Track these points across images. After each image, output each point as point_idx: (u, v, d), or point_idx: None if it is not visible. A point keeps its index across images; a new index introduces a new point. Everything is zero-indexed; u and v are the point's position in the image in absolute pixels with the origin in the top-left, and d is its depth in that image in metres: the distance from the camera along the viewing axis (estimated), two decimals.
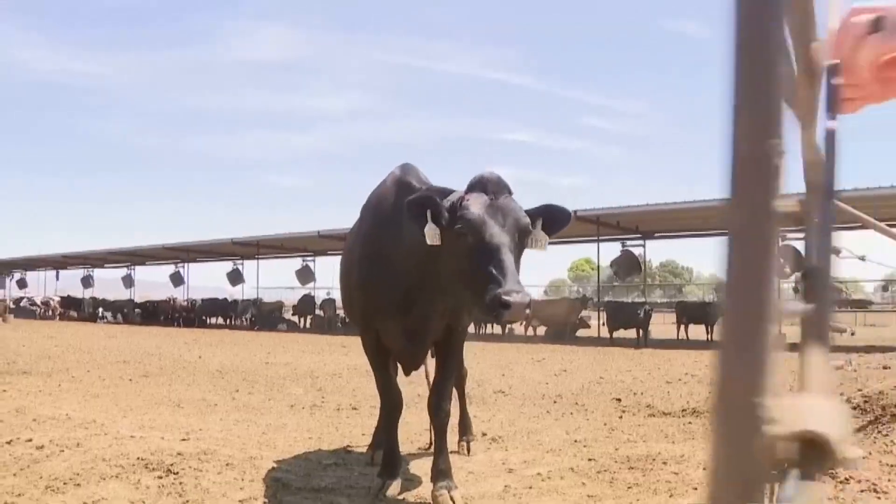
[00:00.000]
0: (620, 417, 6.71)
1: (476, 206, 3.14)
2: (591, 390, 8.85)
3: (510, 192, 3.26)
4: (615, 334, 21.37)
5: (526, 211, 3.26)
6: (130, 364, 11.65)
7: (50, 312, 39.50)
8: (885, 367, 6.93)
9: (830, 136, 1.04)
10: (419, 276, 3.54)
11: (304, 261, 32.18)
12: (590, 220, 21.96)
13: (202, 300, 35.24)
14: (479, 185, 3.22)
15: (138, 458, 4.40)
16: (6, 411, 6.22)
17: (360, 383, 9.13)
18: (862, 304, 35.31)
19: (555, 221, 3.33)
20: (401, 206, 3.44)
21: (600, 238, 24.57)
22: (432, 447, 4.14)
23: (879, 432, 5.04)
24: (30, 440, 4.93)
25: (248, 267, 34.27)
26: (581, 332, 23.45)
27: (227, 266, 34.82)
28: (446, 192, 3.39)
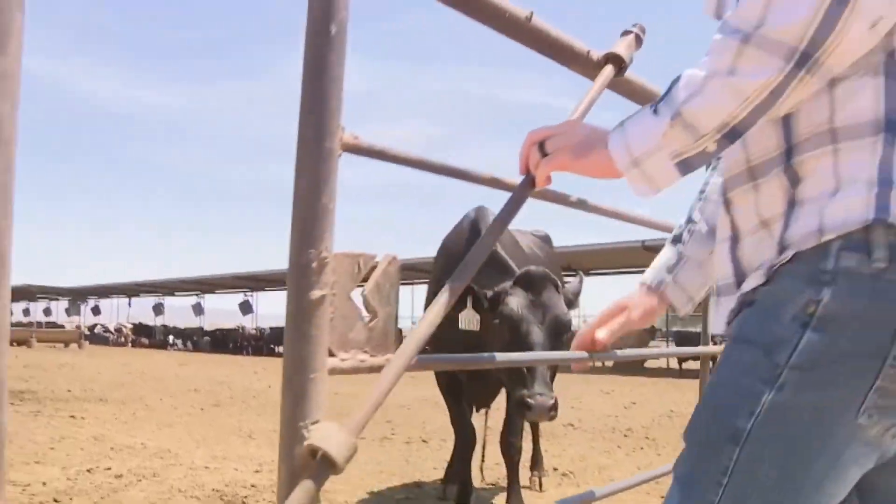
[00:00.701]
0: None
1: (516, 302, 3.24)
2: (662, 424, 8.62)
3: (556, 287, 3.33)
4: (684, 365, 20.90)
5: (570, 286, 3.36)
6: (201, 393, 11.81)
7: (122, 339, 40.49)
8: None
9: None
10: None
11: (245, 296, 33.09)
12: (658, 249, 21.58)
13: (270, 329, 35.65)
14: (525, 279, 3.30)
15: (213, 490, 4.43)
16: (85, 438, 6.37)
17: (429, 415, 9.06)
18: None
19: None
20: (469, 242, 3.50)
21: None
22: (504, 481, 4.09)
23: None
24: (108, 468, 5.02)
25: (260, 298, 35.18)
26: (649, 363, 23.02)
27: (238, 297, 35.61)
28: (506, 266, 3.43)
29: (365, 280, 0.96)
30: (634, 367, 21.55)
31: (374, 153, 1.00)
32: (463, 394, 4.14)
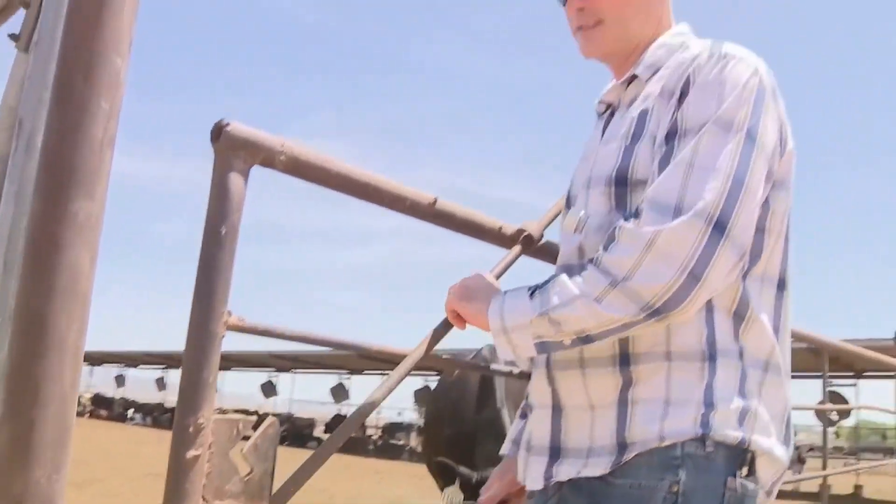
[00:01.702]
0: None
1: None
2: None
3: None
4: None
5: None
6: (162, 479, 11.53)
7: (80, 409, 39.29)
8: None
9: None
10: None
11: (340, 378, 32.17)
12: None
13: (234, 410, 34.89)
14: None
15: None
16: None
17: None
18: None
19: None
20: (477, 411, 3.58)
21: None
22: None
23: None
24: None
25: (283, 379, 34.28)
26: None
27: (262, 377, 34.84)
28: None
29: (246, 438, 1.11)
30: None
31: (258, 331, 1.17)
32: None
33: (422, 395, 32.33)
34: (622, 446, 1.23)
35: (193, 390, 1.05)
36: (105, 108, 0.85)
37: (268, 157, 1.16)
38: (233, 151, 1.12)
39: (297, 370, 34.20)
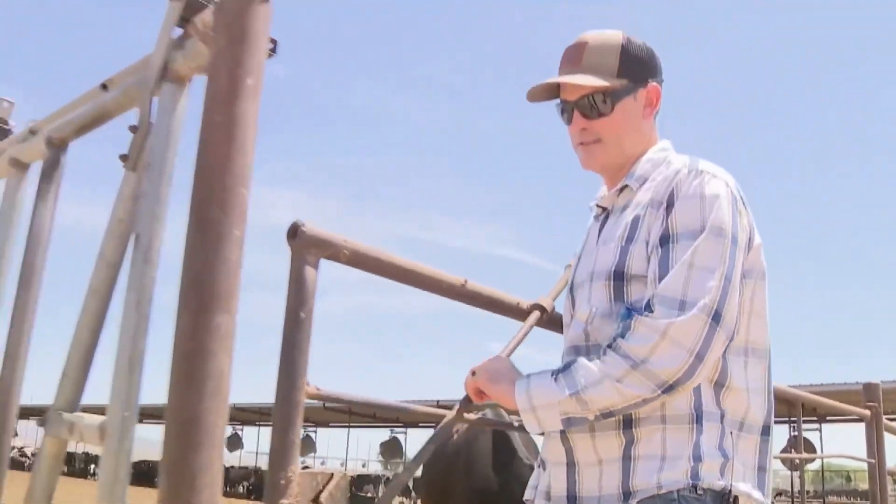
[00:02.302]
0: None
1: None
2: None
3: None
4: None
5: None
6: None
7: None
8: None
9: None
10: None
11: (305, 430, 31.99)
12: None
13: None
14: None
15: None
16: None
17: None
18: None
19: None
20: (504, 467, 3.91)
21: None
22: None
23: None
24: None
25: (248, 433, 33.87)
26: None
27: (226, 431, 34.29)
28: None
29: (322, 489, 1.33)
30: None
31: (331, 399, 1.40)
32: None
33: (387, 448, 32.18)
34: (627, 494, 1.49)
35: (283, 450, 1.27)
36: (237, 235, 1.05)
37: (334, 253, 1.39)
38: (307, 248, 1.35)
39: (263, 423, 33.85)
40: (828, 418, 23.19)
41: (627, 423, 1.52)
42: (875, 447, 4.43)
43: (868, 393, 4.54)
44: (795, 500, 25.87)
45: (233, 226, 1.07)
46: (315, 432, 32.01)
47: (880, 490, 4.35)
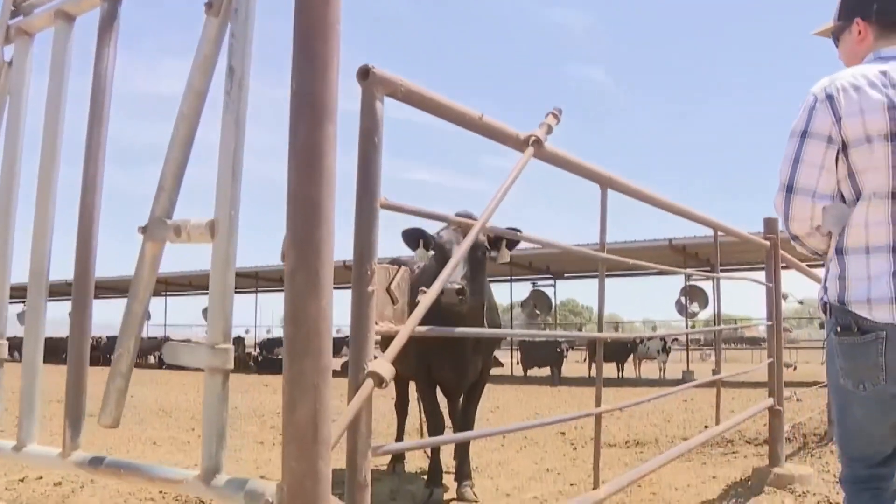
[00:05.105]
0: (574, 449, 7.29)
1: (445, 234, 4.28)
2: None
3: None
4: (529, 372, 22.19)
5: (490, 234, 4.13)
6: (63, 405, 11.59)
7: None
8: (798, 400, 7.98)
9: None
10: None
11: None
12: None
13: (107, 338, 33.59)
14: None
15: (161, 492, 4.77)
16: None
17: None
18: (756, 342, 37.51)
19: (511, 240, 4.15)
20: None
21: (513, 278, 25.64)
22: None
23: (811, 455, 5.88)
24: (40, 477, 5.22)
25: (155, 304, 33.53)
26: (494, 370, 24.15)
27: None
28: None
29: (391, 281, 1.66)
30: None
31: (405, 210, 1.72)
32: (436, 384, 4.99)
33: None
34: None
35: (368, 248, 1.59)
36: (335, 62, 1.33)
37: (393, 91, 1.68)
38: (375, 86, 1.64)
39: (170, 294, 33.81)
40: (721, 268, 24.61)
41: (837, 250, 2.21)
42: (773, 273, 5.09)
43: (767, 226, 5.16)
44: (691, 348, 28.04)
45: (332, 55, 1.35)
46: None
47: (776, 311, 5.03)
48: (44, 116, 1.95)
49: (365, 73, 1.62)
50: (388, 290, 1.69)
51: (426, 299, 1.70)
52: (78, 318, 1.83)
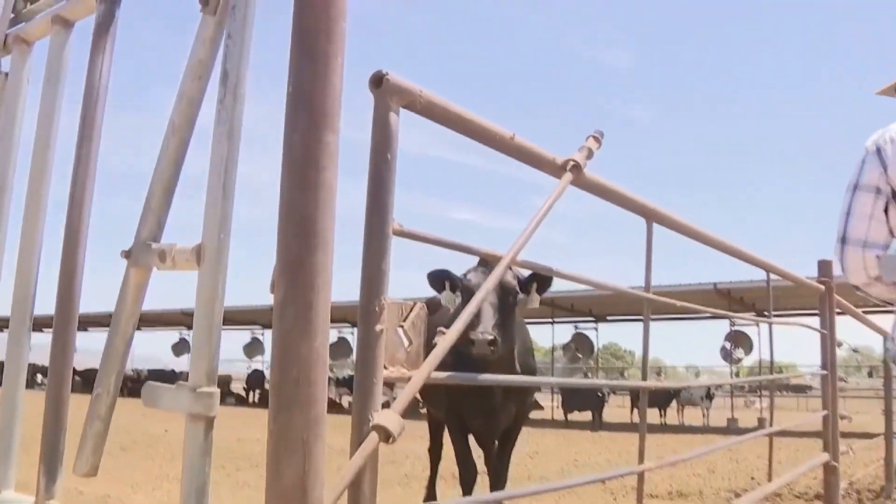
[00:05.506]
0: (615, 500, 6.96)
1: (473, 275, 3.91)
2: (572, 472, 9.08)
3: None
4: (570, 416, 21.73)
5: (520, 271, 3.89)
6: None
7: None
8: (852, 454, 7.61)
9: None
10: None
11: (252, 334, 32.22)
12: (544, 302, 22.13)
13: (149, 371, 34.07)
14: (481, 262, 3.94)
15: None
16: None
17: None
18: (801, 389, 36.26)
19: (543, 283, 3.90)
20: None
21: (555, 320, 25.21)
22: None
23: None
24: None
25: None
26: (534, 414, 23.74)
27: (173, 336, 34.46)
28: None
29: (405, 320, 1.44)
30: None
31: (417, 237, 1.49)
32: (468, 431, 4.66)
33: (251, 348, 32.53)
34: None
35: (377, 280, 1.37)
36: (340, 62, 1.14)
37: (411, 102, 1.47)
38: (390, 96, 1.43)
39: (146, 329, 34.07)
40: (765, 313, 24.14)
41: None
42: (828, 319, 4.72)
43: (822, 269, 4.82)
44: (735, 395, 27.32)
45: (336, 54, 1.16)
46: (263, 335, 32.13)
47: (831, 359, 4.65)
48: (35, 130, 1.79)
49: (378, 81, 1.42)
50: (402, 329, 1.48)
51: (444, 342, 1.48)
52: (59, 347, 1.66)
